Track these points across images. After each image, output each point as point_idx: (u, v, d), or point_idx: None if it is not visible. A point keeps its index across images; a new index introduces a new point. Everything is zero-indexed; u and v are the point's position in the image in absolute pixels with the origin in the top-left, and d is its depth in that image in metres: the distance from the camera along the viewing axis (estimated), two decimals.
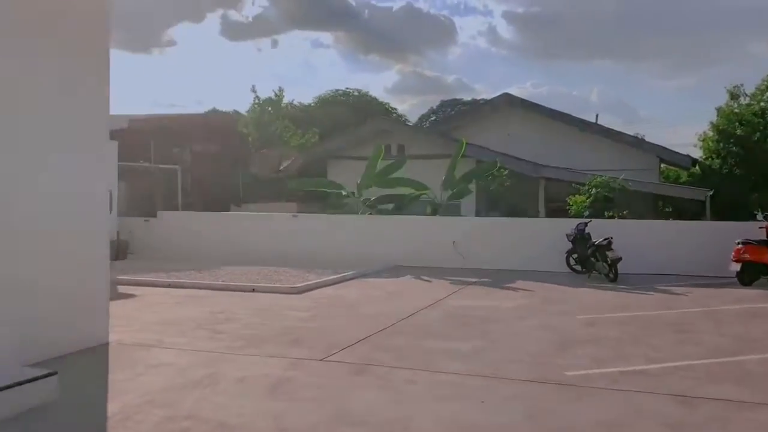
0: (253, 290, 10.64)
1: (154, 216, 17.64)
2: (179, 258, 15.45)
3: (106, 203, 6.89)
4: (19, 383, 4.72)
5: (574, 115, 24.99)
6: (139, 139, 18.52)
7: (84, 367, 5.92)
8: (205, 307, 9.05)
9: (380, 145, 18.28)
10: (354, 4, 73.88)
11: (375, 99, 42.27)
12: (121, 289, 10.71)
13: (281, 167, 21.86)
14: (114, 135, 17.43)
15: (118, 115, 17.84)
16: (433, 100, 65.79)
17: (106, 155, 6.89)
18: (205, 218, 17.45)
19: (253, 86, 39.59)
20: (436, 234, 15.09)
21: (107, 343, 6.67)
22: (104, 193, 6.88)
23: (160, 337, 7.02)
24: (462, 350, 6.65)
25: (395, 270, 13.99)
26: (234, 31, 71.91)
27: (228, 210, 20.56)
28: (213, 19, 75.05)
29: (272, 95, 30.10)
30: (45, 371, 4.96)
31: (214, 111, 28.57)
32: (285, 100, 31.56)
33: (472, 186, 18.76)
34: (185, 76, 75.56)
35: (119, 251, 15.40)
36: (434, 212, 17.16)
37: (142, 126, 19.30)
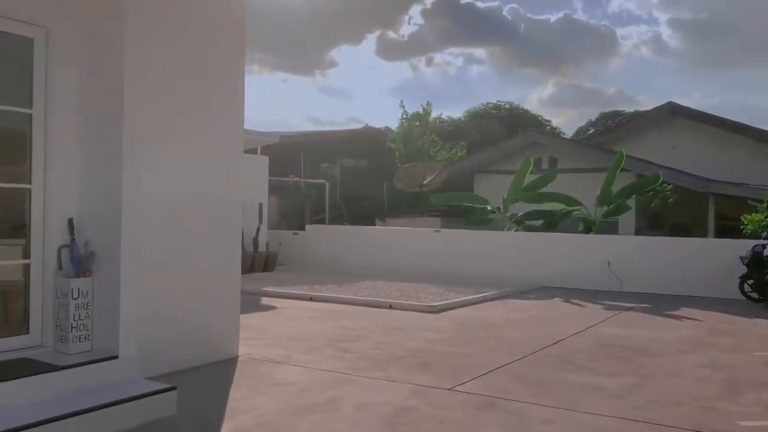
0: (390, 307, 10.35)
1: (303, 229, 18.03)
2: (324, 270, 15.61)
3: (239, 221, 6.85)
4: (139, 396, 4.67)
5: (750, 125, 22.56)
6: (290, 155, 19.08)
7: (208, 382, 5.85)
8: (339, 322, 8.87)
9: (529, 158, 17.42)
10: (510, 18, 72.80)
11: (527, 112, 41.01)
12: (264, 300, 10.87)
13: (425, 181, 21.62)
14: (265, 151, 18.17)
15: (271, 131, 18.48)
16: (592, 113, 62.89)
17: (241, 173, 6.84)
18: (350, 232, 17.55)
19: (402, 101, 39.97)
20: (590, 253, 13.98)
21: (236, 357, 6.61)
22: (237, 212, 6.83)
23: (288, 353, 6.87)
24: (610, 387, 5.86)
25: (542, 291, 13.13)
26: (390, 51, 73.45)
27: (374, 224, 20.63)
28: (370, 40, 77.03)
29: (420, 110, 30.06)
30: (165, 386, 4.89)
31: (366, 127, 29.04)
32: (433, 115, 31.41)
33: (631, 202, 17.35)
34: (343, 95, 78.40)
35: (268, 262, 15.84)
36: (588, 230, 16.00)
37: (293, 142, 19.88)
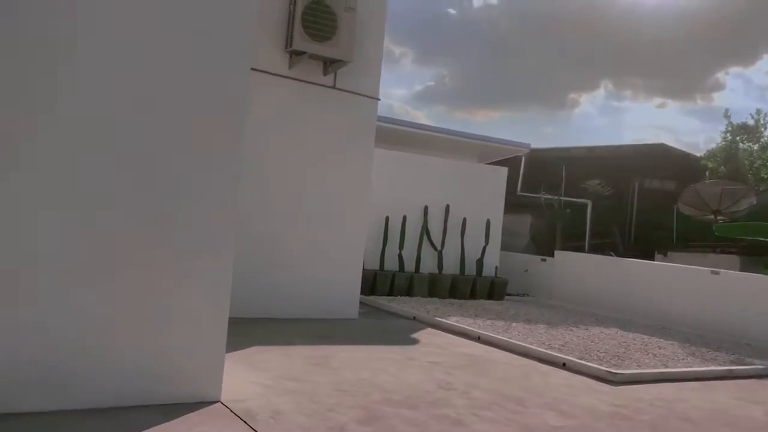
0: (564, 365, 7.44)
1: (552, 255, 15.28)
2: (565, 306, 13.01)
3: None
4: None
5: None
6: (543, 170, 16.49)
7: None
8: (458, 374, 6.43)
9: None
10: None
11: None
12: (425, 331, 8.91)
13: (723, 207, 16.66)
14: (509, 163, 15.92)
15: (520, 142, 16.20)
16: None
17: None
18: (607, 264, 14.22)
19: (726, 110, 32.80)
20: None
21: (213, 402, 4.86)
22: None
23: (286, 406, 4.87)
24: None
25: None
26: None
27: (651, 257, 16.65)
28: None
29: (750, 120, 23.92)
30: None
31: (659, 144, 24.10)
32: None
33: None
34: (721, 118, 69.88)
35: (494, 290, 13.58)
36: None
37: (548, 157, 17.24)
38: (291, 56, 8.95)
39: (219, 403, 4.80)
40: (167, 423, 4.29)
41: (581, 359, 7.61)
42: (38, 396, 4.15)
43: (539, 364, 7.50)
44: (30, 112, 4.14)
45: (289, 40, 8.78)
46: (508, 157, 16.77)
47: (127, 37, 4.46)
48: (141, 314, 4.51)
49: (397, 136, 15.32)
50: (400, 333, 8.76)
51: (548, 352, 7.87)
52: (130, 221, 4.46)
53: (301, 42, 8.67)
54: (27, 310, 4.13)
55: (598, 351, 8.35)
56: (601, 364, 7.41)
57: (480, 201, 13.96)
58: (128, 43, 4.47)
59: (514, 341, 8.41)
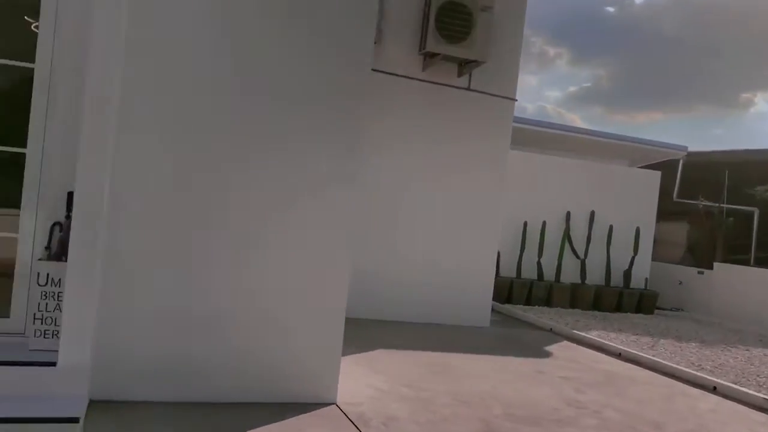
0: (714, 389, 6.73)
1: (710, 267, 14.00)
2: (726, 324, 11.87)
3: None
4: (18, 420, 3.57)
5: None
6: (704, 174, 15.13)
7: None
8: (591, 391, 6.02)
9: None
10: None
11: None
12: (560, 344, 8.46)
13: None
14: (666, 167, 14.75)
15: (676, 144, 15.05)
16: None
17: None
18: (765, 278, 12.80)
19: None
20: None
21: (329, 404, 4.86)
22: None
23: (413, 411, 4.75)
24: None
25: None
26: None
27: None
28: None
29: None
30: (66, 414, 3.67)
31: None
32: None
33: None
34: None
35: (642, 303, 12.69)
36: None
37: (709, 160, 15.78)
38: (425, 58, 8.87)
39: (334, 406, 4.78)
40: (281, 422, 4.32)
41: (735, 383, 6.84)
42: (167, 387, 4.34)
43: (686, 386, 6.84)
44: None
45: (422, 42, 8.70)
46: (662, 160, 15.64)
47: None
48: (268, 312, 4.59)
49: (543, 138, 14.79)
50: (533, 345, 8.38)
51: (697, 373, 7.15)
52: (262, 221, 4.54)
53: (435, 44, 8.56)
54: (164, 301, 4.33)
55: (757, 376, 7.49)
56: (759, 391, 6.62)
57: (629, 207, 13.09)
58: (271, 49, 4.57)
59: (659, 359, 7.74)
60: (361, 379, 5.57)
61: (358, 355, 6.35)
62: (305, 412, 4.56)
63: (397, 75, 8.74)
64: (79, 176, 3.94)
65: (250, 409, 4.45)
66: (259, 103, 4.49)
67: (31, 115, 4.36)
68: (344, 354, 4.96)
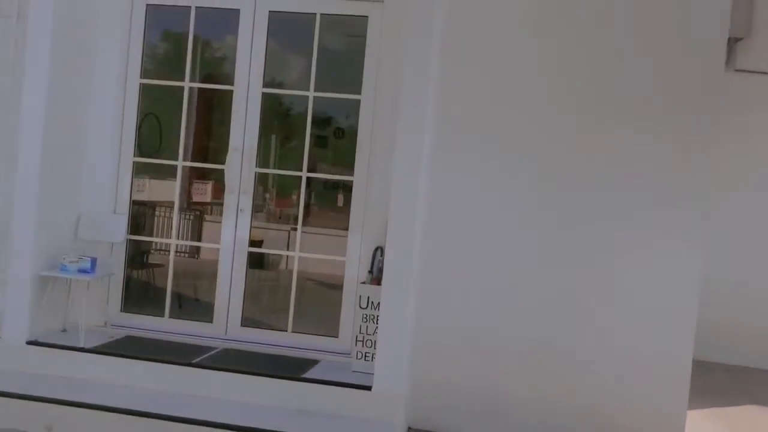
0: None
1: None
2: None
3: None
4: None
5: None
6: None
7: None
8: None
9: None
10: None
11: None
12: None
13: None
14: None
15: None
16: None
17: None
18: None
19: None
20: None
21: None
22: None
23: None
24: None
25: None
26: None
27: None
28: None
29: None
30: None
31: None
32: None
33: None
34: None
35: None
36: None
37: None
38: None
39: None
40: None
41: None
42: (485, 422, 4.08)
43: None
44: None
45: None
46: None
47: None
48: (611, 352, 4.05)
49: None
50: None
51: None
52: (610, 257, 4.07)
53: None
54: (486, 332, 4.12)
55: None
56: None
57: None
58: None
59: None
60: None
61: (715, 409, 5.28)
62: None
63: None
64: (394, 203, 3.95)
65: None
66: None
67: (357, 147, 4.58)
68: (692, 406, 4.10)
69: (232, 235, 4.74)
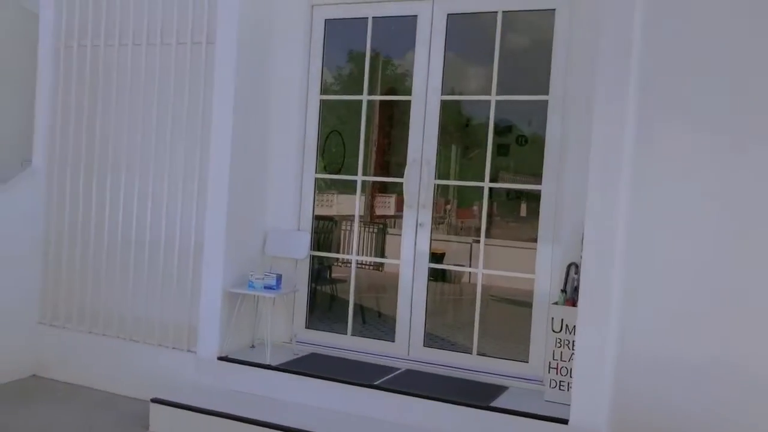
0: None
1: None
2: None
3: None
4: None
5: None
6: None
7: None
8: None
9: None
10: None
11: None
12: None
13: None
14: None
15: None
16: None
17: None
18: None
19: None
20: None
21: None
22: None
23: None
24: None
25: None
26: None
27: None
28: None
29: None
30: None
31: None
32: None
33: None
34: None
35: None
36: None
37: None
38: None
39: None
40: None
41: None
42: None
43: None
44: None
45: None
46: None
47: None
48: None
49: None
50: None
51: None
52: None
53: None
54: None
55: None
56: None
57: None
58: None
59: None
60: None
61: None
62: None
63: None
64: (590, 214, 3.51)
65: None
66: None
67: (545, 155, 4.18)
68: None
69: (411, 251, 4.55)
